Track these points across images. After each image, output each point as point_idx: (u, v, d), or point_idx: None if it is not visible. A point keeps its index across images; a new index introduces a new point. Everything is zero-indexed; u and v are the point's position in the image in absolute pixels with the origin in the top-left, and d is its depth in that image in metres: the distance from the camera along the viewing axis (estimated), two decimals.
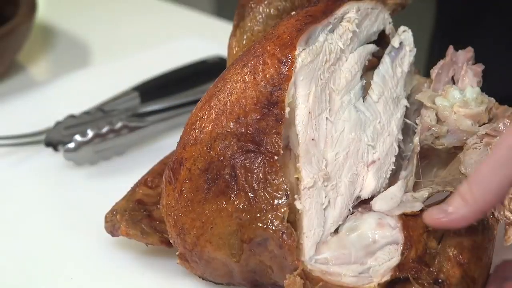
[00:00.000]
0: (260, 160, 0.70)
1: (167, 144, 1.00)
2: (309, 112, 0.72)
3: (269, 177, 0.70)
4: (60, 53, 1.29)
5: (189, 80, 1.06)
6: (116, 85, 1.07)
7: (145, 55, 1.22)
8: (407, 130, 0.80)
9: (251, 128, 0.71)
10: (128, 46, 1.30)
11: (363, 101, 0.76)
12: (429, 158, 0.78)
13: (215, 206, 0.71)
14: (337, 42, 0.75)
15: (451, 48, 0.81)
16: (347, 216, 0.73)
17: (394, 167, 0.77)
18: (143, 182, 0.81)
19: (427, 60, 1.20)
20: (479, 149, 0.73)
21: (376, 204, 0.72)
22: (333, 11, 0.75)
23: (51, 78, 1.20)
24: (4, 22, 1.12)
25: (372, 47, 0.79)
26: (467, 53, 0.80)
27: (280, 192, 0.69)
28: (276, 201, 0.69)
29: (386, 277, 0.68)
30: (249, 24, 0.82)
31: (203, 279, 0.76)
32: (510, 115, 0.75)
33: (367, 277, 0.68)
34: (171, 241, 0.74)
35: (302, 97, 0.72)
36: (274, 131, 0.70)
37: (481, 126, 0.74)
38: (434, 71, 0.80)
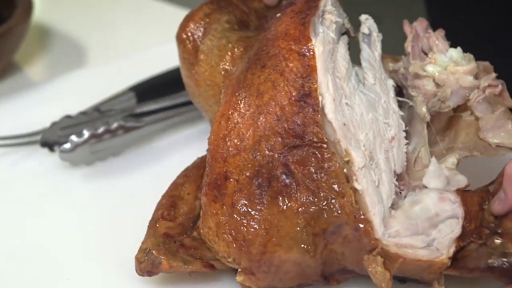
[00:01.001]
0: (310, 152, 0.71)
1: (163, 144, 1.00)
2: (334, 100, 0.73)
3: (325, 165, 0.70)
4: (56, 53, 1.27)
5: None
6: (113, 85, 1.06)
7: (141, 56, 1.21)
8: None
9: (291, 123, 0.72)
10: (124, 47, 1.28)
11: (363, 86, 0.79)
12: (430, 124, 0.80)
13: (276, 209, 0.70)
14: (329, 33, 0.77)
15: (406, 22, 0.84)
16: (395, 192, 0.74)
17: (407, 141, 0.79)
18: (160, 217, 0.78)
19: None
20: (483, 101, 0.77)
21: (430, 183, 0.75)
22: (316, 5, 0.78)
23: (47, 79, 1.19)
24: (1, 22, 1.11)
25: (346, 37, 0.82)
26: (422, 23, 0.84)
27: (340, 177, 0.70)
28: (339, 187, 0.70)
29: (452, 249, 0.70)
30: (209, 42, 0.84)
31: None
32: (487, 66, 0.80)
33: (435, 249, 0.70)
34: (228, 260, 0.73)
35: (324, 86, 0.73)
36: (313, 121, 0.71)
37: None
38: (408, 45, 0.83)
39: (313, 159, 0.71)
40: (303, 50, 0.73)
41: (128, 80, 1.07)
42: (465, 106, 0.79)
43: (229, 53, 0.83)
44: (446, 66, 0.79)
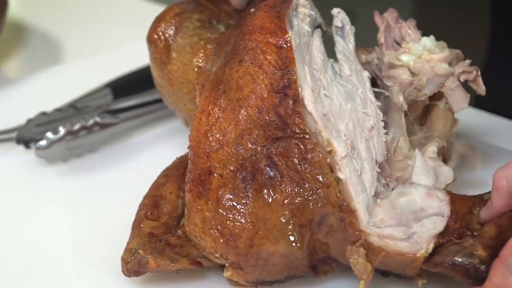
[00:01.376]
0: (293, 143, 0.71)
1: (140, 140, 1.00)
2: (312, 91, 0.74)
3: (308, 156, 0.71)
4: (32, 50, 1.27)
5: None
6: (88, 82, 1.06)
7: (117, 52, 1.21)
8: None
9: (273, 115, 0.72)
10: (100, 43, 1.29)
11: (340, 77, 0.79)
12: (408, 113, 0.81)
13: (261, 201, 0.70)
14: (304, 26, 0.78)
15: (377, 13, 0.85)
16: (383, 184, 0.75)
17: (386, 130, 0.79)
18: (143, 217, 0.78)
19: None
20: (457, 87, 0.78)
21: (420, 180, 0.75)
22: None
23: (22, 76, 1.18)
24: None
25: (320, 31, 0.82)
26: (392, 13, 0.85)
27: (324, 167, 0.71)
28: (323, 177, 0.71)
29: (432, 244, 0.70)
30: (181, 40, 0.84)
31: (257, 284, 0.73)
32: (459, 54, 0.81)
33: (415, 242, 0.70)
34: (215, 255, 0.73)
35: (302, 78, 0.74)
36: (294, 112, 0.72)
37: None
38: (381, 36, 0.83)
39: (296, 150, 0.71)
40: (280, 42, 0.74)
41: (104, 76, 1.07)
42: (441, 94, 0.81)
43: (201, 50, 0.83)
44: (421, 54, 0.79)
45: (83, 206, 0.88)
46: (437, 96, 0.81)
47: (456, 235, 0.71)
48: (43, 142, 0.94)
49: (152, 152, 0.97)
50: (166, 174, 0.83)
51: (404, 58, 0.80)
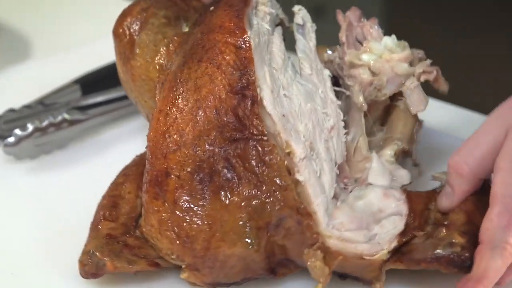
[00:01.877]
0: (251, 145, 0.71)
1: (109, 137, 1.00)
2: (272, 91, 0.73)
3: (266, 158, 0.70)
4: (0, 46, 1.27)
5: None
6: (57, 78, 1.05)
7: (86, 48, 1.20)
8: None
9: (231, 117, 0.71)
10: (69, 39, 1.28)
11: (300, 76, 0.79)
12: (368, 114, 0.81)
13: (218, 204, 0.70)
14: (263, 25, 0.77)
15: (340, 12, 0.85)
16: (342, 187, 0.75)
17: (347, 130, 0.79)
18: (101, 218, 0.78)
19: None
20: (416, 88, 0.78)
21: (376, 180, 0.75)
22: None
23: None
24: None
25: (281, 28, 0.82)
26: (355, 12, 0.84)
27: (282, 170, 0.70)
28: (281, 180, 0.70)
29: (394, 244, 0.70)
30: (145, 37, 0.83)
31: (214, 285, 0.73)
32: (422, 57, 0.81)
33: (376, 244, 0.70)
34: (171, 257, 0.72)
35: (261, 78, 0.73)
36: (252, 113, 0.71)
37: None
38: (342, 35, 0.83)
39: (254, 152, 0.71)
40: (239, 42, 0.73)
41: (72, 73, 1.06)
42: (401, 95, 0.80)
43: (164, 48, 0.82)
44: (381, 54, 0.79)
45: (52, 203, 0.88)
46: (398, 96, 0.81)
47: (418, 229, 0.71)
48: (11, 139, 0.94)
49: (122, 148, 0.97)
50: (125, 173, 0.82)
51: (365, 57, 0.79)
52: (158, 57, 0.82)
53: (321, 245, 0.69)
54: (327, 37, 0.85)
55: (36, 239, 0.83)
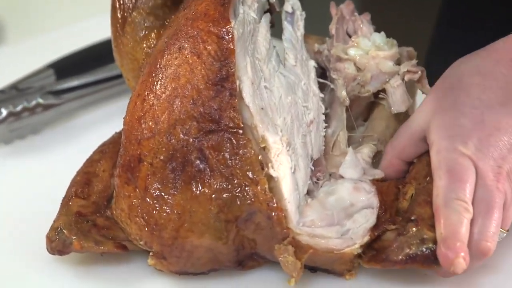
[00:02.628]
0: (226, 137, 0.70)
1: (84, 121, 0.99)
2: (252, 83, 0.73)
3: (240, 151, 0.70)
4: None
5: (105, 57, 1.04)
6: (31, 63, 1.04)
7: (61, 32, 1.20)
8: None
9: (207, 108, 0.70)
10: (43, 24, 1.27)
11: (284, 67, 0.78)
12: (350, 109, 0.81)
13: (189, 194, 0.70)
14: (250, 13, 0.76)
15: (333, 4, 0.85)
16: (313, 181, 0.75)
17: (326, 124, 0.79)
18: (73, 194, 0.77)
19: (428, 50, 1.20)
20: (399, 87, 0.78)
21: (346, 173, 0.75)
22: None
23: None
24: None
25: (269, 15, 0.81)
26: (348, 6, 0.84)
27: (255, 164, 0.70)
28: (253, 174, 0.69)
29: (366, 238, 0.70)
30: (137, 16, 0.82)
31: (179, 274, 0.73)
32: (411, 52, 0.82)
33: (349, 239, 0.70)
34: (140, 243, 0.72)
35: (242, 69, 0.73)
36: (230, 106, 0.70)
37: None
38: (332, 28, 0.83)
39: (228, 144, 0.70)
40: (222, 32, 0.72)
41: (47, 57, 1.05)
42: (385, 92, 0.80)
43: (155, 30, 0.82)
44: (368, 50, 0.79)
45: (26, 188, 0.88)
46: (380, 93, 0.81)
47: (390, 222, 0.71)
48: None
49: (97, 133, 0.96)
50: (101, 150, 0.82)
51: (352, 52, 0.79)
52: (147, 39, 0.82)
53: (292, 240, 0.69)
54: (320, 25, 0.85)
55: (9, 224, 0.83)
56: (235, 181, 0.70)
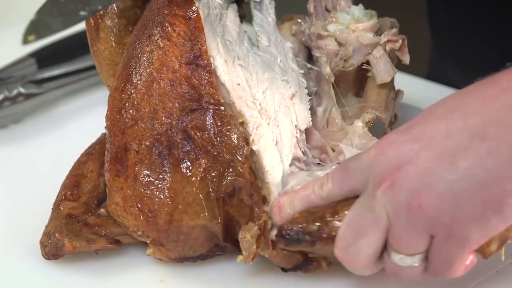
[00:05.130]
0: (208, 116, 0.71)
1: (65, 111, 0.99)
2: (225, 61, 0.74)
3: (223, 129, 0.71)
4: None
5: (87, 46, 1.04)
6: (12, 51, 1.04)
7: None
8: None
9: (186, 87, 0.72)
10: (24, 12, 1.26)
11: (258, 48, 0.79)
12: (337, 85, 0.81)
13: (179, 176, 0.70)
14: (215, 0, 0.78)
15: None
16: (299, 145, 0.75)
17: (310, 97, 0.80)
18: (63, 198, 0.78)
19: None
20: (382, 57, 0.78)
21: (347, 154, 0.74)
22: None
23: None
24: None
25: (236, 6, 0.82)
26: None
27: (239, 141, 0.71)
28: (238, 151, 0.70)
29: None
30: (109, 21, 0.82)
31: (180, 260, 0.73)
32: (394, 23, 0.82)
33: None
34: (138, 234, 0.73)
35: (214, 49, 0.74)
36: (207, 82, 0.72)
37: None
38: (310, 6, 0.83)
39: (212, 122, 0.71)
40: (188, 13, 0.73)
41: (28, 46, 1.04)
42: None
43: (129, 34, 0.81)
44: (348, 24, 0.80)
45: (7, 177, 0.89)
46: (363, 65, 0.81)
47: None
48: None
49: (78, 122, 0.97)
50: (88, 152, 0.82)
51: (331, 28, 0.80)
52: (123, 43, 0.81)
53: (262, 224, 0.69)
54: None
55: None
56: (222, 159, 0.71)
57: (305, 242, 0.66)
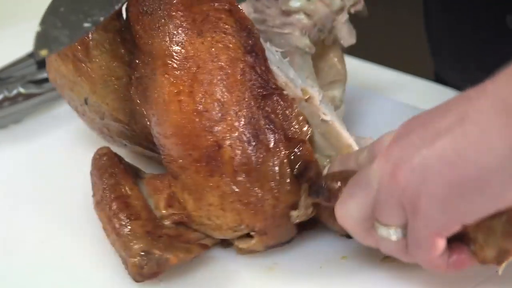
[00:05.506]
0: (275, 99, 0.73)
1: (64, 111, 0.99)
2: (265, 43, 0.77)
3: (287, 112, 0.73)
4: None
5: None
6: (12, 52, 1.04)
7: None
8: None
9: (254, 75, 0.73)
10: (24, 12, 1.26)
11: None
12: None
13: (272, 159, 0.72)
14: None
15: None
16: None
17: None
18: (127, 220, 0.73)
19: None
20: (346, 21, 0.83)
21: None
22: None
23: None
24: None
25: None
26: None
27: (302, 123, 0.74)
28: (302, 134, 0.74)
29: None
30: (97, 36, 0.80)
31: (273, 247, 0.75)
32: None
33: None
34: (239, 228, 0.73)
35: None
36: (267, 69, 0.74)
37: None
38: None
39: (279, 107, 0.73)
40: (226, 6, 0.74)
41: (27, 46, 1.05)
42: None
43: (120, 46, 0.80)
44: None
45: (6, 178, 0.88)
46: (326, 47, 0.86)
47: None
48: None
49: (78, 122, 0.96)
50: (111, 174, 0.78)
51: (296, 3, 0.82)
52: (119, 56, 0.80)
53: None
54: None
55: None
56: (295, 140, 0.73)
57: (323, 196, 0.71)
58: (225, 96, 0.72)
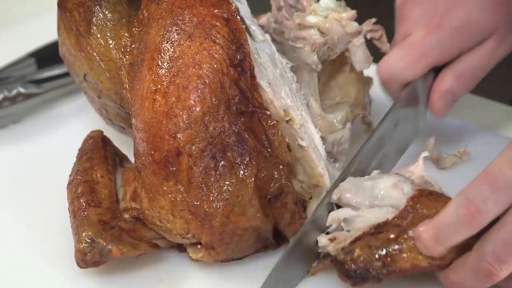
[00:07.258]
0: (256, 118, 0.72)
1: (64, 111, 0.99)
2: (255, 61, 0.75)
3: (269, 133, 0.72)
4: None
5: None
6: (12, 51, 1.04)
7: (42, 21, 1.19)
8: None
9: (234, 90, 0.71)
10: (24, 11, 1.26)
11: (256, 43, 0.80)
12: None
13: (234, 178, 0.71)
14: None
15: None
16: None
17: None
18: (85, 205, 0.75)
19: None
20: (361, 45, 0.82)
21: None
22: None
23: None
24: None
25: None
26: None
27: (283, 146, 0.72)
28: (283, 155, 0.72)
29: (359, 233, 0.71)
30: (102, 16, 0.80)
31: (225, 261, 0.74)
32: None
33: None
34: (186, 236, 0.72)
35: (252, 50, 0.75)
36: (252, 85, 0.72)
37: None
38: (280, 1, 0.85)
39: (260, 126, 0.72)
40: (227, 15, 0.73)
41: (28, 46, 1.05)
42: (344, 60, 0.84)
43: (124, 28, 0.80)
44: (327, 14, 0.82)
45: (6, 176, 0.88)
46: (342, 62, 0.85)
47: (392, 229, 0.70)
48: None
49: (78, 122, 0.97)
50: (89, 158, 0.79)
51: (312, 19, 0.82)
52: (119, 38, 0.80)
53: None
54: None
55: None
56: (272, 161, 0.72)
57: (372, 279, 0.68)
58: (197, 105, 0.70)
